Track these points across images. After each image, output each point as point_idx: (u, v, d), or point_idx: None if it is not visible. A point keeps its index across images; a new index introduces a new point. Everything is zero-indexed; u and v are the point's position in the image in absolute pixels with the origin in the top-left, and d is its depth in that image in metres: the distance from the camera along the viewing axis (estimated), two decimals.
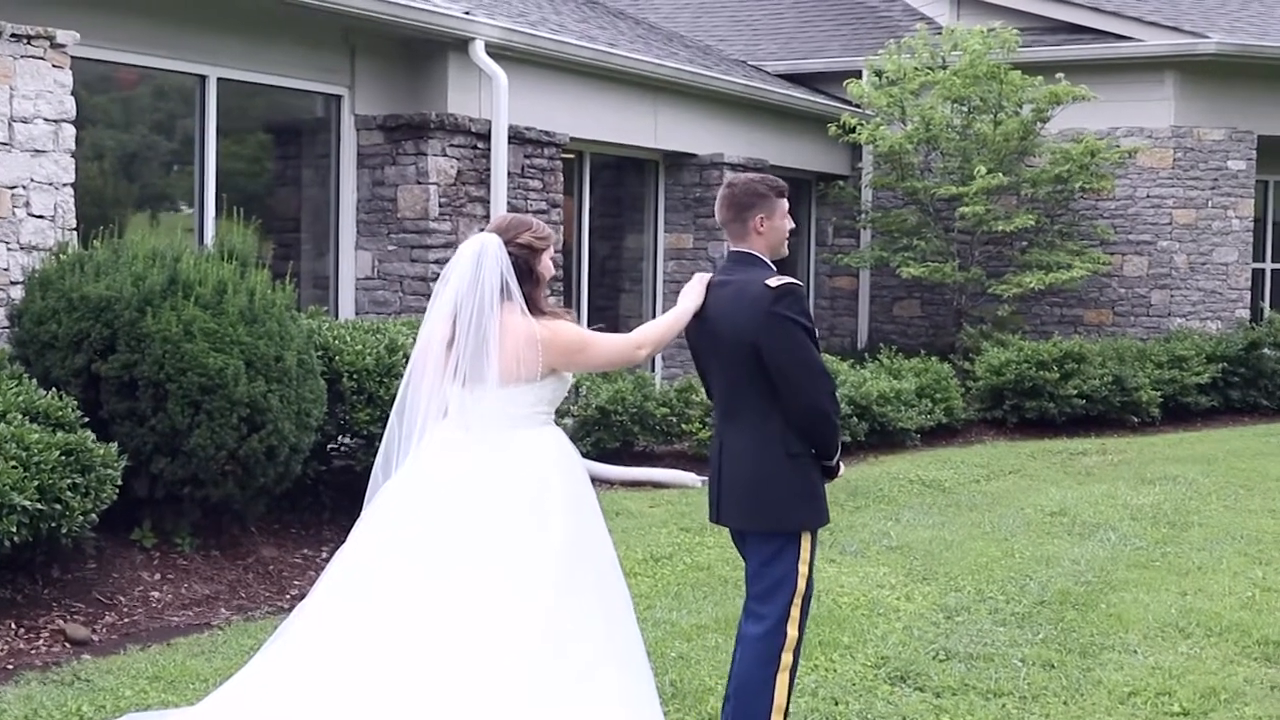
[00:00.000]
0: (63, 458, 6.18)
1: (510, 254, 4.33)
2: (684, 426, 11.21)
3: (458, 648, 4.05)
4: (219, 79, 9.58)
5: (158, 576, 7.00)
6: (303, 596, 6.73)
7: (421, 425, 4.30)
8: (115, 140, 9.45)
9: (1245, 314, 15.98)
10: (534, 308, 4.34)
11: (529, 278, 4.36)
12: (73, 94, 7.80)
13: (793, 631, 4.46)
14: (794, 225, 4.58)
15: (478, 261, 4.28)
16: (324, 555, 7.74)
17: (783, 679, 4.45)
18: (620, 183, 14.36)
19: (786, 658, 4.46)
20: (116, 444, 6.60)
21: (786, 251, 4.59)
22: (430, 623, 4.09)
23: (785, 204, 4.57)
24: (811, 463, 4.46)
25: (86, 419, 6.60)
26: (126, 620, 6.53)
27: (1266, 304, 16.93)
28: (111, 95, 9.46)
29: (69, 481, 6.15)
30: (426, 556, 4.18)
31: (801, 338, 4.36)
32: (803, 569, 4.45)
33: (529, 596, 4.10)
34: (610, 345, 4.46)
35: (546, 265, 4.44)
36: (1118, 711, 5.51)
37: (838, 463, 4.54)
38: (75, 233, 7.81)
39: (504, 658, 4.04)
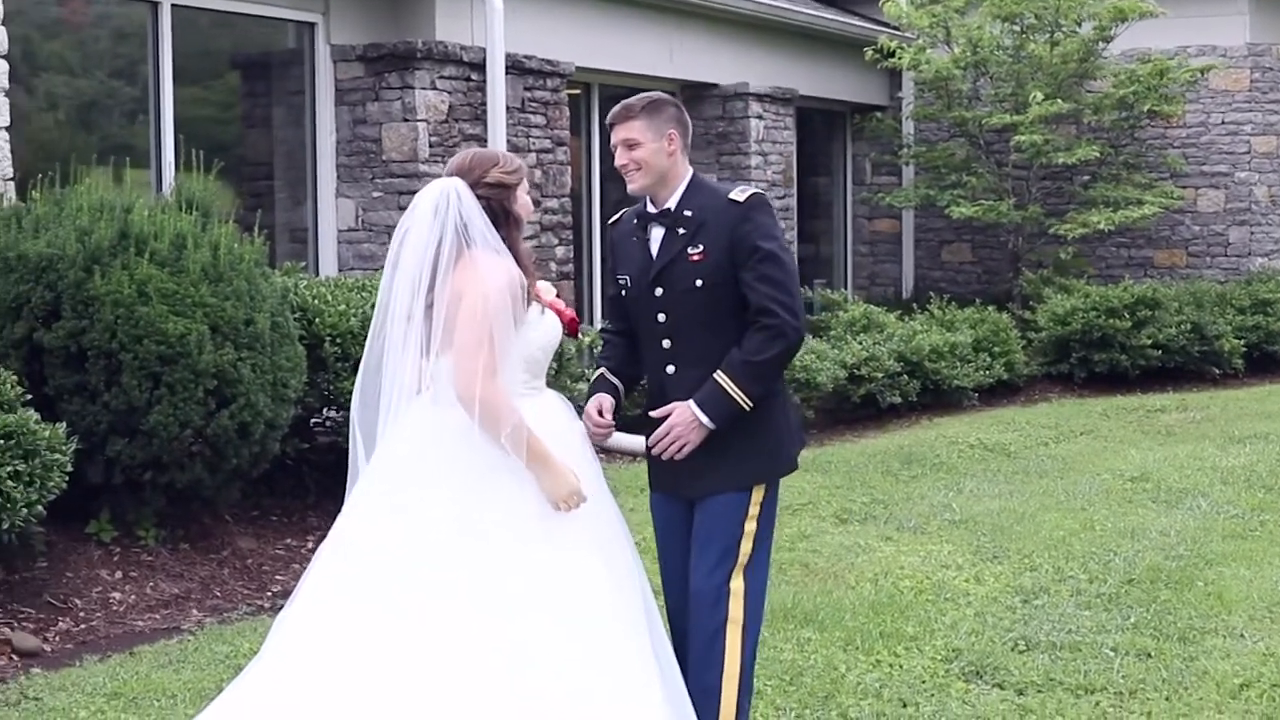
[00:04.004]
0: (1, 442, 6.04)
1: (480, 197, 4.04)
2: None
3: (453, 657, 3.82)
4: (173, 6, 9.32)
5: (118, 575, 6.87)
6: (286, 594, 6.50)
7: (394, 405, 4.08)
8: (69, 87, 9.19)
9: None
10: (516, 256, 4.08)
11: (505, 221, 4.07)
12: (2, 23, 7.49)
13: None
14: (617, 160, 4.47)
15: (435, 215, 3.99)
16: (310, 545, 7.64)
17: None
18: None
19: None
20: (65, 424, 6.49)
21: (631, 184, 4.48)
22: (418, 633, 3.89)
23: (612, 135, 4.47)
24: None
25: (29, 396, 6.49)
26: (83, 626, 6.41)
27: None
28: (64, 38, 9.18)
29: (9, 469, 6.03)
30: (411, 553, 3.98)
31: None
32: None
33: (523, 593, 3.90)
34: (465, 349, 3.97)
35: (524, 203, 4.17)
36: (1229, 707, 5.31)
37: None
38: (12, 183, 7.55)
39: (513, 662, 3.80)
